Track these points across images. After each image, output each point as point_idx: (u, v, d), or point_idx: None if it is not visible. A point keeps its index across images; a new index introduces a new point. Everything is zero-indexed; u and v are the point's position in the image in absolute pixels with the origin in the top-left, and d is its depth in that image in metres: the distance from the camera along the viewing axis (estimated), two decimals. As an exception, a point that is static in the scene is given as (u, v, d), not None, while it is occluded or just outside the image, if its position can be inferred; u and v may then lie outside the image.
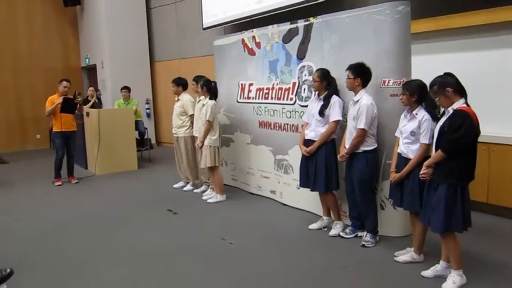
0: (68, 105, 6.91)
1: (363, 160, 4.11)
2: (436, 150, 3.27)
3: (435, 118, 3.44)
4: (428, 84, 3.39)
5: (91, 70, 12.30)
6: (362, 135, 4.04)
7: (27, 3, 11.63)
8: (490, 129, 4.78)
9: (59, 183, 7.17)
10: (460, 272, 3.29)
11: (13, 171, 8.59)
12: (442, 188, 3.20)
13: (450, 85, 3.19)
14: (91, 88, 9.32)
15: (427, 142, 3.48)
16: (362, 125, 4.01)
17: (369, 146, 4.10)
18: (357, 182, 4.14)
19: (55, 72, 11.40)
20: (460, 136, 3.09)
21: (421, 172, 3.38)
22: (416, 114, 3.58)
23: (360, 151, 4.10)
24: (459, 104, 3.18)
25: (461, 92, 3.21)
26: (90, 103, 8.64)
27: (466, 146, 3.14)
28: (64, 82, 7.00)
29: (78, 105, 7.14)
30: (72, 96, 6.98)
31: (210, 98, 5.72)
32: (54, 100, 6.93)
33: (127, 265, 3.97)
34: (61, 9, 11.83)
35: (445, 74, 3.27)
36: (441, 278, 3.39)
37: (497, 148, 4.88)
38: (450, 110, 3.21)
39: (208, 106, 5.64)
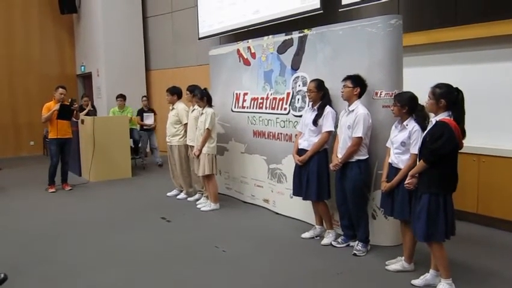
0: (65, 112, 6.94)
1: (357, 169, 4.16)
2: (419, 159, 3.36)
3: (425, 129, 3.51)
4: (433, 85, 3.34)
5: (86, 78, 12.33)
6: (358, 143, 4.10)
7: (24, 9, 11.68)
8: (479, 141, 4.88)
9: (53, 190, 7.17)
10: (449, 280, 3.34)
11: (7, 177, 8.56)
12: (425, 198, 3.28)
13: (448, 99, 3.22)
14: (85, 98, 9.37)
15: (417, 152, 3.53)
16: (359, 133, 4.07)
17: (362, 155, 4.16)
18: (351, 190, 4.19)
19: (50, 79, 11.45)
20: (440, 146, 3.16)
21: (406, 181, 3.46)
22: (407, 125, 3.66)
23: (353, 160, 4.16)
24: (443, 116, 3.25)
25: (451, 108, 3.23)
26: (85, 111, 8.68)
27: (446, 155, 3.21)
28: (60, 89, 7.03)
29: (75, 112, 7.18)
30: (68, 103, 7.02)
31: (209, 106, 5.79)
32: (51, 107, 6.96)
33: (120, 272, 3.98)
34: (58, 16, 11.88)
35: (455, 88, 3.26)
36: (431, 287, 3.45)
37: (486, 159, 4.96)
38: (433, 120, 3.29)
39: (207, 114, 5.70)
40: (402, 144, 3.66)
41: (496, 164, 4.89)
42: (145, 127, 9.22)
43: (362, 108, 4.13)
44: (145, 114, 9.25)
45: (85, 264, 4.17)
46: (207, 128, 5.68)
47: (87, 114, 8.62)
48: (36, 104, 10.43)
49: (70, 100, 7.09)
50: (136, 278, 3.85)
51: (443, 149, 3.17)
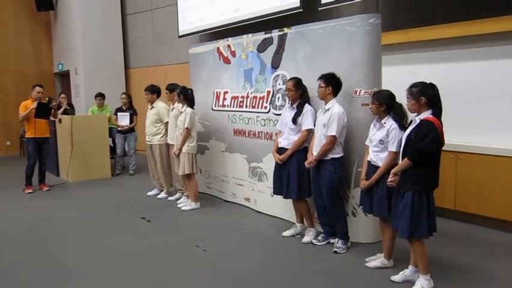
0: (43, 111, 6.81)
1: (331, 167, 4.18)
2: (403, 158, 3.39)
3: (403, 127, 3.56)
4: (408, 87, 3.40)
5: (64, 76, 12.13)
6: (332, 142, 4.12)
7: (-1, 6, 11.44)
8: (457, 139, 4.97)
9: (30, 190, 7.03)
10: (428, 276, 3.39)
11: (-18, 178, 8.38)
12: (408, 195, 3.31)
13: (427, 96, 3.28)
14: (62, 95, 9.18)
15: (395, 150, 3.58)
16: (333, 132, 4.09)
17: (337, 153, 4.19)
18: (326, 188, 4.21)
19: (27, 77, 11.21)
20: (425, 145, 3.20)
21: (388, 180, 3.48)
22: (385, 123, 3.69)
23: (328, 158, 4.18)
24: (426, 114, 3.29)
25: (432, 105, 3.29)
26: (61, 109, 8.52)
27: (431, 154, 3.25)
28: (37, 87, 6.90)
29: (52, 110, 7.04)
30: (46, 102, 6.89)
31: (188, 106, 5.74)
32: (28, 105, 6.83)
33: (100, 273, 3.92)
34: (34, 13, 11.66)
35: (430, 83, 3.33)
36: (410, 283, 3.48)
37: (464, 157, 5.05)
38: (417, 119, 3.33)
39: (186, 114, 5.65)
40: (381, 142, 3.69)
41: (473, 161, 4.97)
42: (119, 128, 8.37)
43: (337, 106, 4.15)
44: (119, 114, 8.40)
45: (66, 266, 4.10)
46: (186, 128, 5.64)
47: (64, 112, 8.46)
48: (13, 102, 10.23)
49: (47, 99, 6.96)
50: (116, 279, 3.80)
51: (428, 147, 3.21)
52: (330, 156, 4.17)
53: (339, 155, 4.20)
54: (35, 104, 6.76)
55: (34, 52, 12.11)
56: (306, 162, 4.34)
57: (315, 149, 4.27)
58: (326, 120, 4.15)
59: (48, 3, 11.47)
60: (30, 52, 12.03)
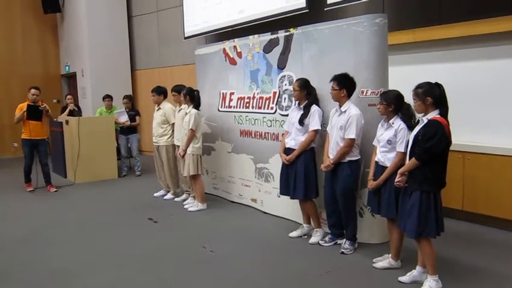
0: (33, 113, 6.86)
1: (348, 170, 4.14)
2: (410, 158, 3.37)
3: (411, 127, 3.54)
4: (413, 88, 3.40)
5: (71, 78, 12.17)
6: (351, 144, 4.08)
7: (6, 8, 11.47)
8: (464, 138, 4.94)
9: (30, 188, 7.18)
10: (436, 277, 3.37)
11: (-10, 180, 8.43)
12: (416, 195, 3.30)
13: (432, 96, 3.27)
14: (69, 96, 9.20)
15: (403, 150, 3.57)
16: (352, 134, 4.04)
17: (354, 156, 4.15)
18: (342, 191, 4.17)
19: (34, 79, 11.24)
20: (433, 145, 3.19)
21: (396, 180, 3.47)
22: (393, 123, 3.68)
23: (345, 161, 4.13)
24: (433, 114, 3.28)
25: (439, 105, 3.28)
26: (66, 111, 8.54)
27: (439, 154, 3.24)
28: (33, 90, 6.94)
29: (43, 112, 6.99)
30: (39, 104, 6.90)
31: (194, 107, 5.75)
32: (23, 108, 6.91)
33: (107, 274, 3.94)
34: (41, 16, 11.71)
35: (435, 83, 3.32)
36: (417, 283, 3.47)
37: (471, 157, 5.02)
38: (425, 119, 3.32)
39: (191, 115, 5.66)
40: (389, 142, 3.68)
41: (481, 161, 4.95)
42: (120, 126, 8.33)
43: (354, 108, 4.09)
44: (115, 112, 8.40)
45: (71, 267, 4.11)
46: (191, 129, 5.64)
47: (71, 114, 8.48)
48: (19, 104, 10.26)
49: (42, 103, 6.95)
50: (122, 280, 3.81)
51: (436, 147, 3.20)
52: (348, 158, 4.12)
53: (356, 158, 4.16)
54: (25, 107, 6.82)
55: (41, 54, 12.17)
56: (322, 166, 4.29)
57: (331, 152, 4.23)
58: (343, 122, 4.09)
59: (55, 6, 11.53)
60: (37, 54, 12.08)
